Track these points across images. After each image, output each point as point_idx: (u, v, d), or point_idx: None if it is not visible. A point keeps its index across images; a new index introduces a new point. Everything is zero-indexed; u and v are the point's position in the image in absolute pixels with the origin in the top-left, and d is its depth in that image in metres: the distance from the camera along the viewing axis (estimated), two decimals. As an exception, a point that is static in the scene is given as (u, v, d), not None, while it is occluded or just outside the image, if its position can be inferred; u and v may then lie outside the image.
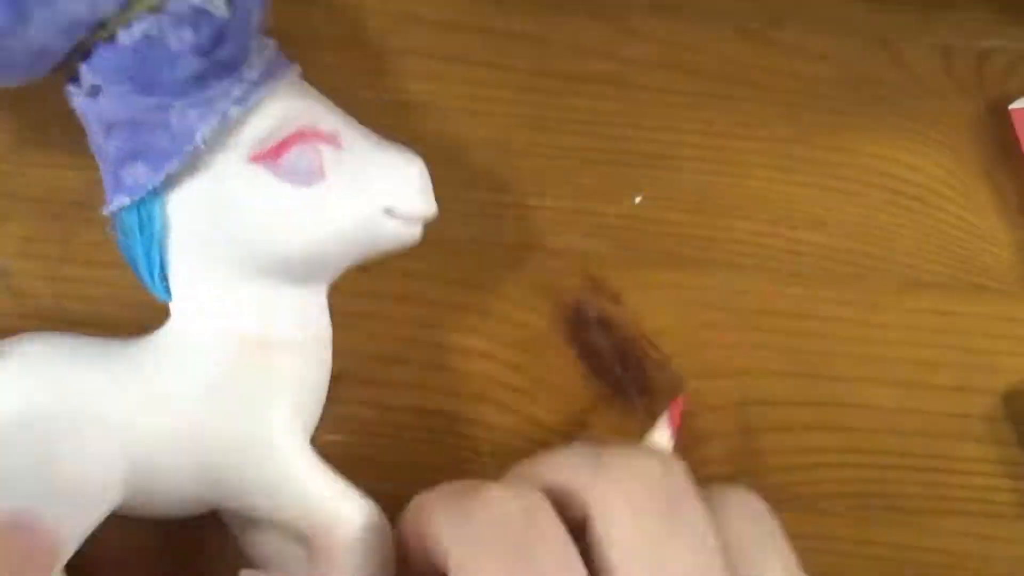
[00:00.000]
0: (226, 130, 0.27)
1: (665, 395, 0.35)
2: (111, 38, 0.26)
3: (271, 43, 0.29)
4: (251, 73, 0.27)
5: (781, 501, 0.34)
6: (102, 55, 0.27)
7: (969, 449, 0.35)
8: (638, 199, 0.36)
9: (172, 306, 0.29)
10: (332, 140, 0.28)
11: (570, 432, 0.35)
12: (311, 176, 0.27)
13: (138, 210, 0.28)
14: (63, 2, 0.25)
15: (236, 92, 0.27)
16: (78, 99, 0.28)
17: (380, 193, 0.28)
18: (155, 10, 0.26)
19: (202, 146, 0.26)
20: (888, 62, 0.36)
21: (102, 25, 0.26)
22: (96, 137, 0.28)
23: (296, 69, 0.29)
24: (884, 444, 0.35)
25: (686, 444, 0.35)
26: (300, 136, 0.27)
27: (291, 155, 0.27)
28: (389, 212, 0.28)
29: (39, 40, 0.26)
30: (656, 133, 0.36)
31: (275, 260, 0.28)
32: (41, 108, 0.35)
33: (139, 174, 0.27)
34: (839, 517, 0.35)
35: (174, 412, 0.27)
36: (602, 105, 0.35)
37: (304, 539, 0.28)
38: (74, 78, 0.28)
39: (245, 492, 0.28)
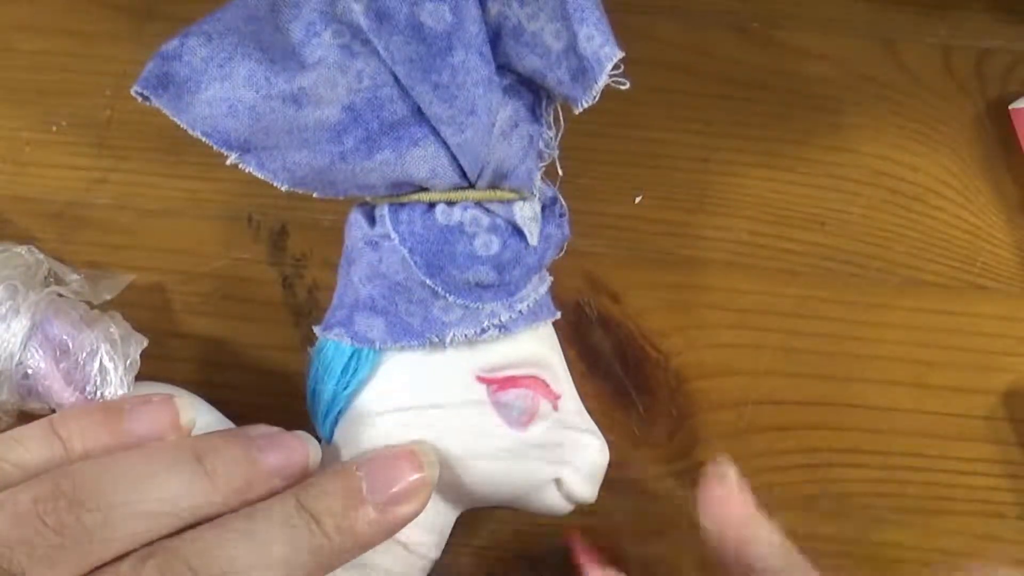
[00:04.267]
0: (474, 342, 0.27)
1: (665, 395, 0.35)
2: (429, 207, 0.27)
3: (548, 280, 0.29)
4: (522, 304, 0.27)
5: (781, 501, 0.35)
6: (412, 218, 0.27)
7: (969, 449, 0.35)
8: (638, 199, 0.36)
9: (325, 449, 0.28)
10: (553, 401, 0.28)
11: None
12: (517, 421, 0.27)
13: (352, 356, 0.28)
14: (409, 161, 0.25)
15: (503, 317, 0.27)
16: (359, 233, 0.28)
17: (564, 466, 0.28)
18: (482, 207, 0.26)
19: (447, 346, 0.27)
20: (888, 62, 0.36)
21: (424, 189, 0.26)
22: (353, 271, 0.28)
23: (556, 316, 0.29)
24: (884, 444, 0.35)
25: (686, 444, 0.35)
26: (532, 383, 0.28)
27: (514, 393, 0.27)
28: (557, 484, 0.28)
29: (369, 179, 0.26)
30: (656, 133, 0.36)
31: (443, 468, 0.27)
32: (42, 108, 0.35)
33: (374, 328, 0.27)
34: (839, 517, 0.35)
35: None
36: (602, 105, 0.35)
37: None
38: (368, 213, 0.28)
39: None
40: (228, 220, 0.35)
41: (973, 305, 0.35)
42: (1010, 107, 0.35)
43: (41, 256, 0.30)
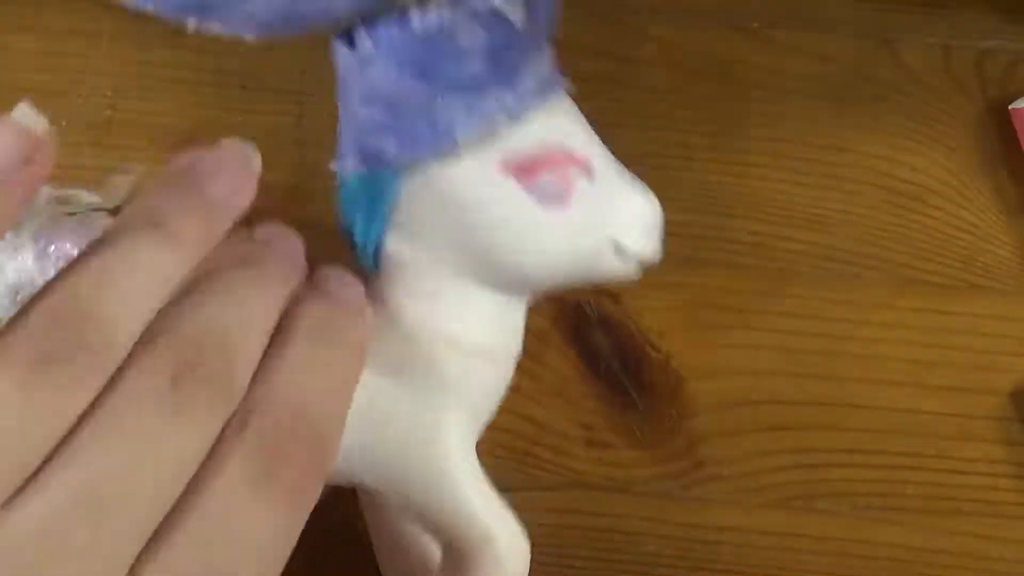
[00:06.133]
0: (486, 135, 0.27)
1: (665, 395, 0.35)
2: (402, 15, 0.26)
3: (549, 56, 0.28)
4: (526, 85, 0.27)
5: (781, 501, 0.35)
6: (388, 30, 0.26)
7: (968, 449, 0.35)
8: (638, 199, 0.36)
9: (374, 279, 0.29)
10: (585, 169, 0.28)
11: (570, 432, 0.35)
12: (556, 200, 0.27)
13: (372, 181, 0.27)
14: None
15: (508, 101, 0.27)
16: (346, 61, 0.27)
17: (613, 226, 0.28)
18: (454, 2, 0.26)
19: (460, 146, 0.26)
20: (888, 62, 0.36)
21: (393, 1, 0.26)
22: (349, 100, 0.28)
23: (567, 87, 0.28)
24: (884, 444, 0.35)
25: (685, 444, 0.35)
26: (557, 160, 0.27)
27: (543, 175, 0.27)
28: (615, 246, 0.28)
29: (333, 4, 0.25)
30: (656, 133, 0.36)
31: (496, 270, 0.27)
32: (42, 108, 0.35)
33: (385, 149, 0.27)
34: (839, 517, 0.35)
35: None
36: (602, 105, 0.35)
37: (445, 541, 0.28)
38: (347, 39, 0.27)
39: (402, 481, 0.28)
40: (228, 220, 0.35)
41: (973, 305, 0.35)
42: (1010, 107, 0.35)
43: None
